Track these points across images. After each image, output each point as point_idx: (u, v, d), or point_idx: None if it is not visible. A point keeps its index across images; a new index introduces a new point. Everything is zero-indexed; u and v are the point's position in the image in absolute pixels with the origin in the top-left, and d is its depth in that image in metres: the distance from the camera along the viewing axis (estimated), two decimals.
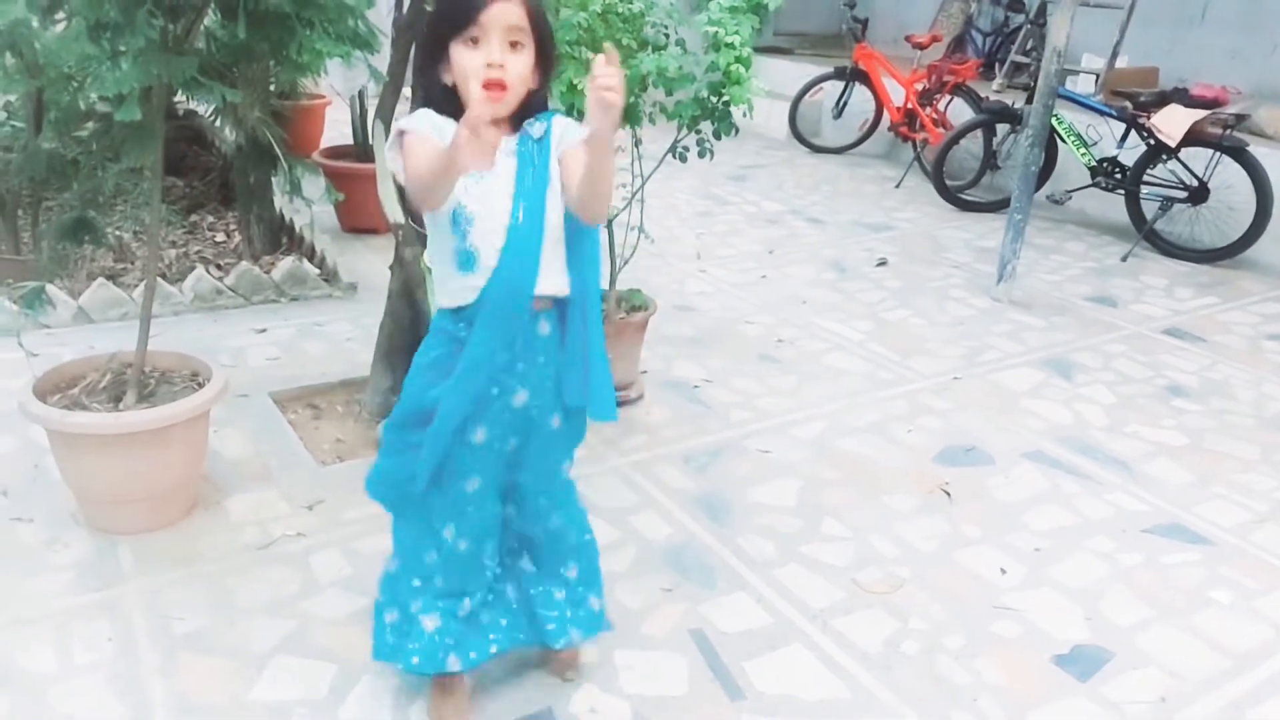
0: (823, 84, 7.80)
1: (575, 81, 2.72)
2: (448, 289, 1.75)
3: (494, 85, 1.59)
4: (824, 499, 2.93)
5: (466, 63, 1.59)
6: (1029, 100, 5.16)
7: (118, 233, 4.26)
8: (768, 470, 3.08)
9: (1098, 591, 2.57)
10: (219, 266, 4.45)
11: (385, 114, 3.18)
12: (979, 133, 6.41)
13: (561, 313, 1.80)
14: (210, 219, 5.12)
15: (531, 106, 1.70)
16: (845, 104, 7.78)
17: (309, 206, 3.55)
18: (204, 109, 5.65)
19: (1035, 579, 2.61)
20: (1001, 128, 6.33)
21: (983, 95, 6.78)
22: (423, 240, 2.83)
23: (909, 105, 7.05)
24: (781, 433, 3.33)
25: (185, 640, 2.17)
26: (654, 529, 2.71)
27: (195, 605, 2.29)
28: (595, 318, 1.83)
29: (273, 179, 2.48)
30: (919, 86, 6.98)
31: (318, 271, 4.39)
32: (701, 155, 3.06)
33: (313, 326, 3.97)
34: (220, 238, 4.92)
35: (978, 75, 7.05)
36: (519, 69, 1.61)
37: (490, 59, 1.57)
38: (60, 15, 2.05)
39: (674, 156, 3.10)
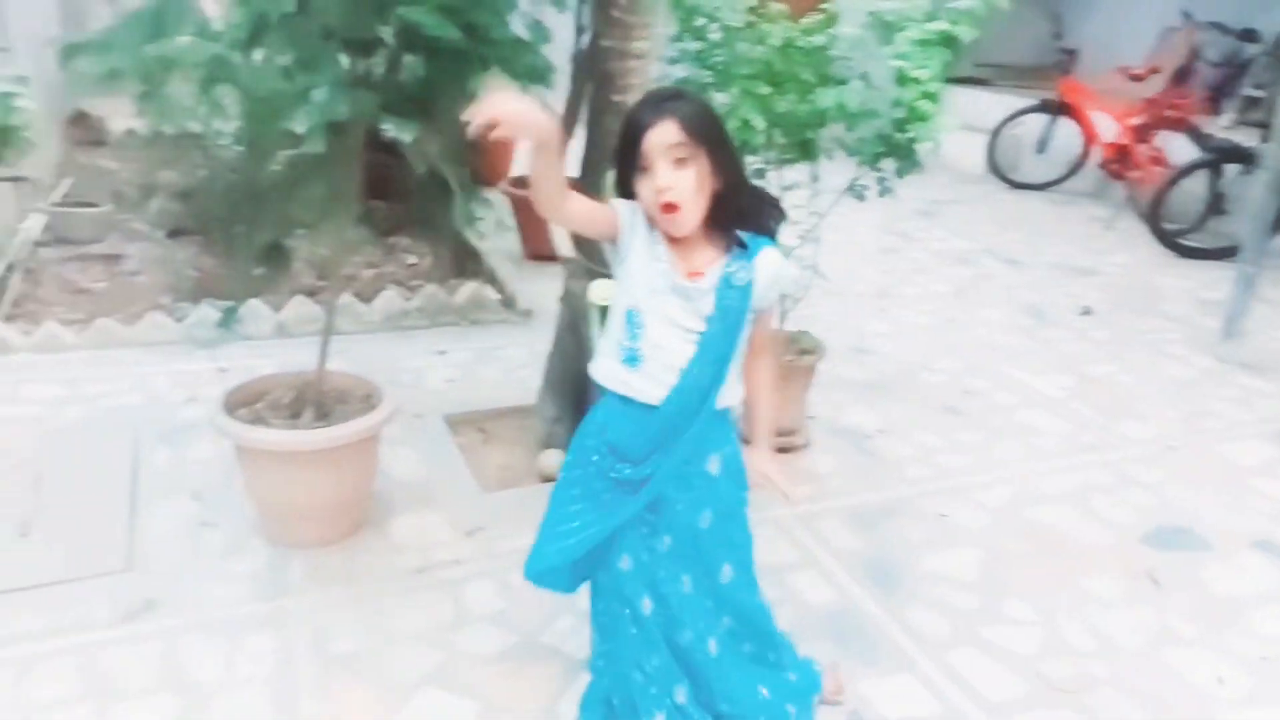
0: (1023, 117, 7.36)
1: (749, 120, 2.62)
2: (605, 363, 1.76)
3: (665, 207, 1.61)
4: (1009, 575, 2.67)
5: (642, 193, 1.64)
6: (1265, 138, 4.64)
7: (323, 251, 4.48)
8: (945, 536, 2.84)
9: None
10: (409, 288, 4.62)
11: None
12: (1202, 173, 5.85)
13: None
14: (406, 241, 5.35)
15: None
16: (1049, 139, 7.31)
17: (481, 238, 3.63)
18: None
19: (1263, 695, 2.27)
20: (1230, 168, 5.75)
21: (1207, 133, 6.17)
22: (590, 274, 2.80)
23: (1122, 142, 6.53)
24: (963, 495, 3.07)
25: (340, 661, 2.20)
26: (815, 591, 2.54)
27: (353, 625, 2.32)
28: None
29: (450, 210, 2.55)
30: (1134, 121, 6.44)
31: (498, 297, 4.49)
32: (882, 194, 2.88)
33: (489, 351, 4.05)
34: (413, 260, 5.13)
35: (1203, 110, 6.43)
36: (687, 185, 1.60)
37: (658, 184, 1.60)
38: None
39: (851, 194, 2.94)
